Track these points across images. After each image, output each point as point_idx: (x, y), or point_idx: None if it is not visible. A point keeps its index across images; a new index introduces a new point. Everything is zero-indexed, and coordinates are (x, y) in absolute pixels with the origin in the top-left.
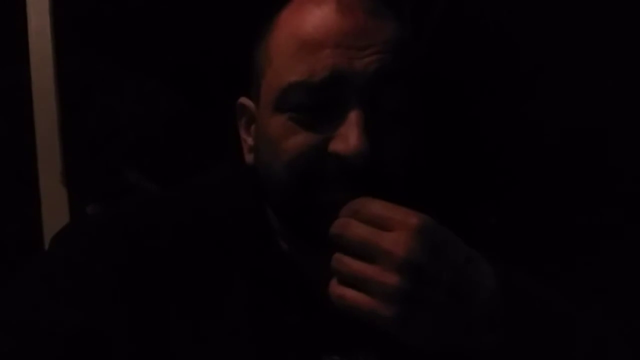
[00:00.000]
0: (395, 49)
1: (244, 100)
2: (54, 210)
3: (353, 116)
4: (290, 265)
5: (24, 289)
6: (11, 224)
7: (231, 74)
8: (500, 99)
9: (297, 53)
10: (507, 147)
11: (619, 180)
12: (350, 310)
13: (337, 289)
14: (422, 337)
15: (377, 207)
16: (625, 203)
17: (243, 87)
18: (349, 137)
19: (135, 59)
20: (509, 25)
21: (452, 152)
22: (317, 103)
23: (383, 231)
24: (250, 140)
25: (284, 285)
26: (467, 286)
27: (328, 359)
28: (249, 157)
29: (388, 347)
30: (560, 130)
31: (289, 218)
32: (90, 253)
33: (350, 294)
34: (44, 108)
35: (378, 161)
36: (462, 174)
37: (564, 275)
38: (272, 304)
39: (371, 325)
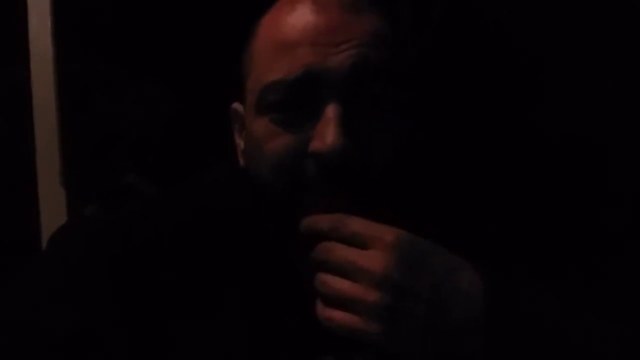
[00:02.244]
0: (375, 43)
1: (236, 105)
2: (53, 212)
3: (329, 113)
4: (285, 264)
5: (21, 290)
6: (9, 226)
7: (231, 77)
8: (503, 101)
9: (274, 54)
10: (509, 152)
11: (622, 186)
12: (339, 330)
13: (323, 312)
14: (410, 348)
15: (354, 224)
16: (629, 210)
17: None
18: (325, 135)
19: (136, 61)
20: (509, 25)
21: (451, 153)
22: (293, 101)
23: (361, 250)
24: (242, 144)
25: (279, 285)
26: (449, 296)
27: None
28: (242, 161)
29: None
30: (565, 135)
31: (278, 218)
32: (87, 253)
33: (337, 315)
34: (43, 109)
35: (359, 158)
36: (460, 178)
37: (565, 281)
38: (268, 304)
39: (362, 341)
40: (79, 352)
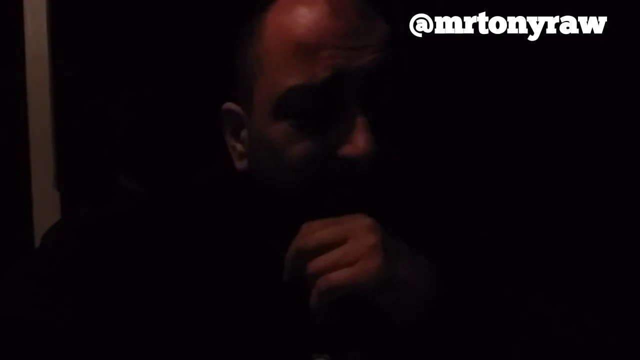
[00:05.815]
0: (389, 47)
1: (230, 105)
2: (46, 214)
3: (359, 118)
4: (280, 264)
5: (14, 286)
6: (2, 228)
7: (223, 79)
8: (501, 102)
9: (293, 56)
10: (506, 153)
11: (620, 188)
12: (346, 288)
13: (323, 282)
14: (404, 276)
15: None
16: (627, 214)
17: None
18: (357, 141)
19: (130, 65)
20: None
21: (448, 155)
22: (318, 106)
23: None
24: (240, 147)
25: (273, 284)
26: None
27: (318, 358)
28: (240, 164)
29: (377, 346)
30: (562, 137)
31: (292, 225)
32: (80, 248)
33: (334, 276)
34: (38, 111)
35: (383, 160)
36: (457, 179)
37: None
38: (262, 302)
39: (364, 289)
40: (73, 349)
